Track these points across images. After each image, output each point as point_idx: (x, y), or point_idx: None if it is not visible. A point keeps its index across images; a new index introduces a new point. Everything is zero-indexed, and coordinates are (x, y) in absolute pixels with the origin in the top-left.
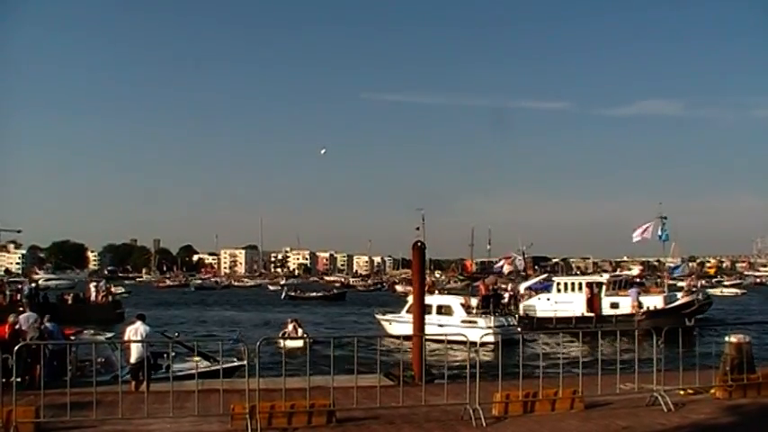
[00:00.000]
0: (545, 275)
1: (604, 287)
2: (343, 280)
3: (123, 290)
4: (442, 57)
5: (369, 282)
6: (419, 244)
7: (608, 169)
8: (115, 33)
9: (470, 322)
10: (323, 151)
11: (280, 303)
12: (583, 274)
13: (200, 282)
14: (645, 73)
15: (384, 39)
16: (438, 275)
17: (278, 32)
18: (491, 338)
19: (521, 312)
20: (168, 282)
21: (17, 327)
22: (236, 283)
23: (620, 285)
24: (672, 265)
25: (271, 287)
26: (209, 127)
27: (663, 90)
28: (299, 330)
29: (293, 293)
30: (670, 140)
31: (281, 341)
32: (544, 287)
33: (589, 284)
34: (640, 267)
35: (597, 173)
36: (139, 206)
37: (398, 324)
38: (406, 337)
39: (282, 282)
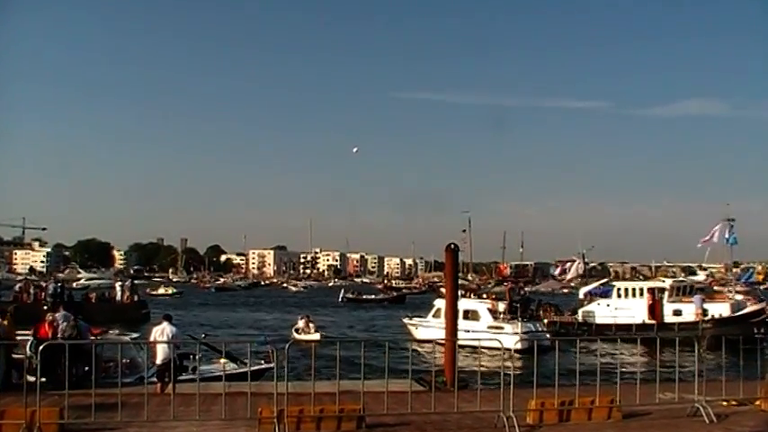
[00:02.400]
0: (604, 280)
1: (667, 293)
2: (387, 282)
3: (174, 290)
4: (470, 54)
5: (415, 283)
6: (452, 246)
7: (644, 172)
8: (140, 24)
9: (497, 328)
10: (355, 150)
11: (333, 305)
12: (620, 279)
13: (221, 282)
14: (686, 70)
15: (413, 35)
16: (471, 278)
17: (306, 30)
18: (523, 344)
19: (579, 318)
20: (209, 283)
21: (56, 325)
22: (264, 283)
23: (683, 291)
24: (738, 271)
25: (292, 288)
26: (237, 126)
27: (706, 89)
28: (311, 326)
29: (351, 296)
30: (711, 142)
31: (296, 334)
32: (603, 292)
33: (651, 290)
34: (706, 273)
35: (632, 175)
36: (167, 205)
37: (425, 329)
38: (438, 342)
39: (302, 284)
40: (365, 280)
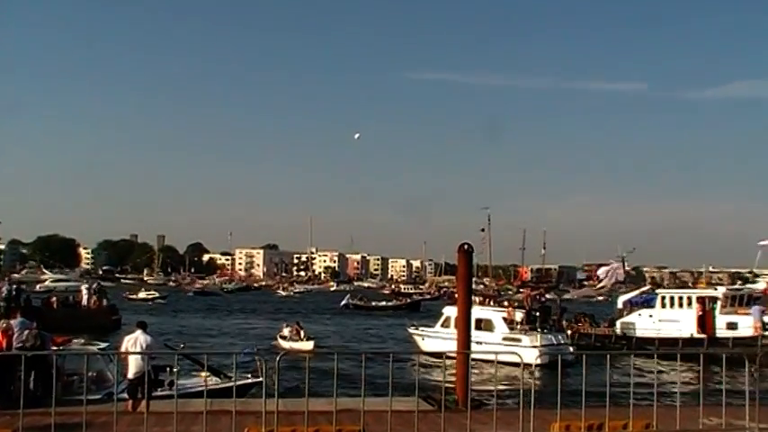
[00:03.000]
0: (647, 287)
1: (719, 303)
2: (397, 287)
3: (157, 295)
4: (491, 31)
5: (426, 288)
6: (465, 247)
7: (687, 163)
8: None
9: (513, 340)
10: (357, 136)
11: (336, 312)
12: (657, 285)
13: (201, 286)
14: (737, 49)
15: (422, 7)
16: (487, 282)
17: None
18: (543, 359)
19: (617, 330)
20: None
21: (11, 334)
22: (256, 286)
23: (739, 301)
24: None
25: (281, 292)
26: (222, 111)
27: (759, 69)
28: (302, 334)
29: (358, 302)
30: (766, 129)
31: (282, 341)
32: (645, 301)
33: (701, 299)
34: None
35: (671, 168)
36: (142, 197)
37: (432, 340)
38: (448, 355)
39: (299, 288)
40: (367, 284)
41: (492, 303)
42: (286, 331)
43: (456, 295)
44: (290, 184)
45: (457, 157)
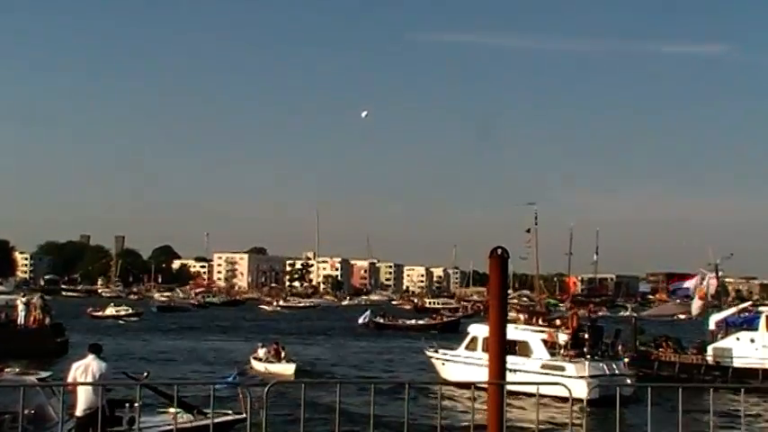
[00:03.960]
0: (746, 304)
1: None
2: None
3: (130, 311)
4: None
5: (457, 302)
6: (499, 251)
7: None
8: None
9: (555, 368)
10: (364, 114)
11: (351, 332)
12: (742, 300)
13: (166, 299)
14: None
15: None
16: (531, 296)
17: None
18: (593, 393)
19: (709, 359)
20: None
21: None
22: (262, 298)
23: None
24: None
25: (266, 307)
26: (198, 87)
27: None
28: (283, 354)
29: (381, 320)
30: None
31: (257, 363)
32: (745, 321)
33: None
34: None
35: (761, 152)
36: (95, 190)
37: (455, 365)
38: (478, 386)
39: (305, 301)
40: (377, 296)
41: (541, 322)
42: (261, 352)
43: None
44: (281, 174)
45: (487, 141)
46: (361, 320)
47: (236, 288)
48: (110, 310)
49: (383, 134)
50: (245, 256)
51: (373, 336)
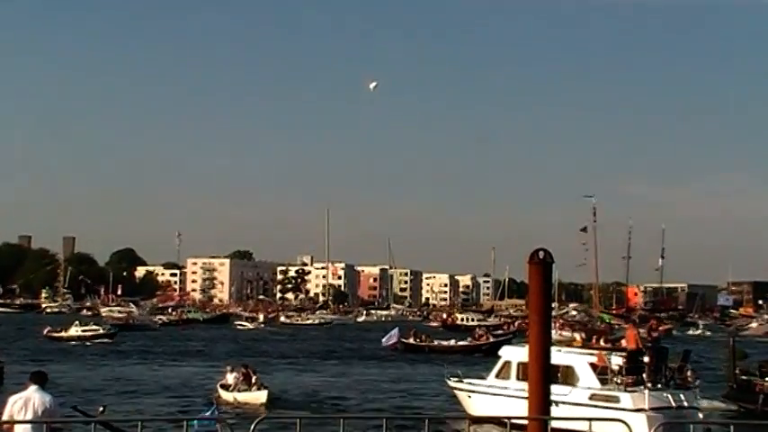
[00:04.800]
0: None
1: None
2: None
3: (101, 330)
4: None
5: (497, 318)
6: (541, 255)
7: None
8: None
9: (607, 398)
10: (373, 85)
11: (379, 357)
12: None
13: (123, 315)
14: None
15: None
16: (576, 310)
17: None
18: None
19: None
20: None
21: None
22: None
23: None
24: None
25: (246, 324)
26: (168, 56)
27: None
28: (254, 379)
29: (412, 340)
30: None
31: (223, 392)
32: None
33: None
34: None
35: None
36: (39, 182)
37: (484, 397)
38: (513, 423)
39: (315, 317)
40: (389, 312)
41: (603, 342)
42: (231, 378)
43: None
44: (270, 161)
45: (531, 110)
46: (385, 341)
47: (216, 300)
48: (74, 330)
49: (395, 117)
50: (226, 261)
51: (401, 360)
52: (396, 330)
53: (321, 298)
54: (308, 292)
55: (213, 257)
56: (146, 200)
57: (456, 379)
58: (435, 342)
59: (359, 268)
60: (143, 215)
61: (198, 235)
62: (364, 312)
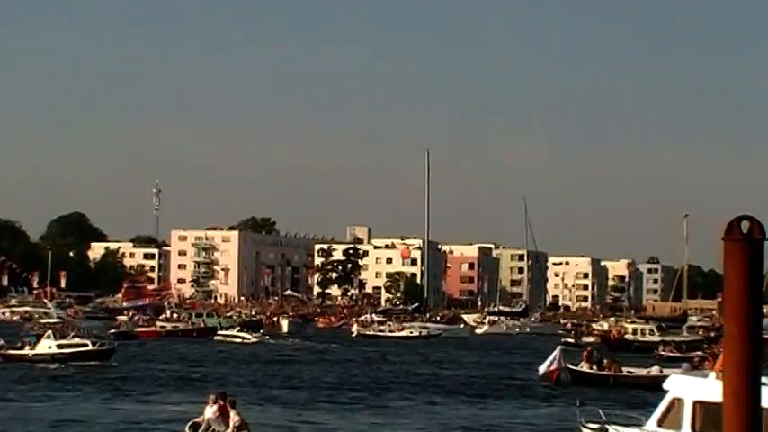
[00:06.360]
0: None
1: None
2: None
3: (90, 345)
4: None
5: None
6: (745, 226)
7: None
8: None
9: None
10: None
11: (536, 395)
12: None
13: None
14: None
15: None
16: None
17: None
18: None
19: None
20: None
21: None
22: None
23: None
24: None
25: (250, 338)
26: None
27: None
28: (236, 418)
29: (586, 366)
30: None
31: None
32: None
33: None
34: None
35: None
36: None
37: None
38: None
39: (412, 327)
40: (530, 320)
41: None
42: (209, 411)
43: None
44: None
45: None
46: (543, 369)
47: (218, 297)
48: (45, 346)
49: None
50: (233, 236)
51: (566, 395)
52: (557, 353)
53: (384, 294)
54: (363, 284)
55: (212, 229)
56: (103, 142)
57: (597, 426)
58: (625, 371)
59: (445, 248)
60: (97, 154)
61: (188, 192)
62: (486, 320)
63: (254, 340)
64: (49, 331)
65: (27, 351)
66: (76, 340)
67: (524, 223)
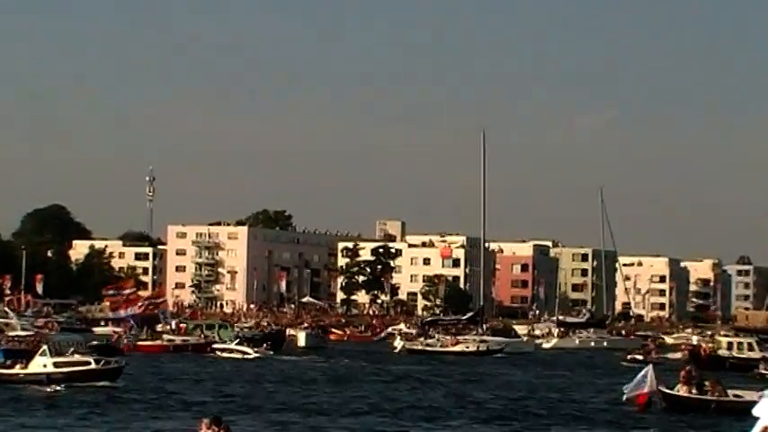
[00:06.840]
0: None
1: None
2: None
3: (93, 363)
4: None
5: None
6: None
7: None
8: None
9: None
10: None
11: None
12: None
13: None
14: None
15: None
16: None
17: None
18: None
19: None
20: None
21: None
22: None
23: None
24: None
25: (250, 352)
26: None
27: None
28: None
29: (683, 390)
30: None
31: None
32: None
33: None
34: None
35: None
36: None
37: None
38: None
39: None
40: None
41: None
42: None
43: None
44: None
45: None
46: (630, 391)
47: (224, 305)
48: (40, 364)
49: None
50: (241, 231)
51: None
52: (649, 373)
53: (421, 301)
54: (395, 289)
55: (216, 224)
56: (84, 99)
57: None
58: (731, 394)
59: (493, 246)
60: (80, 135)
61: (187, 181)
62: (555, 331)
63: (255, 355)
64: (45, 347)
65: (18, 371)
66: (77, 357)
67: (600, 217)
